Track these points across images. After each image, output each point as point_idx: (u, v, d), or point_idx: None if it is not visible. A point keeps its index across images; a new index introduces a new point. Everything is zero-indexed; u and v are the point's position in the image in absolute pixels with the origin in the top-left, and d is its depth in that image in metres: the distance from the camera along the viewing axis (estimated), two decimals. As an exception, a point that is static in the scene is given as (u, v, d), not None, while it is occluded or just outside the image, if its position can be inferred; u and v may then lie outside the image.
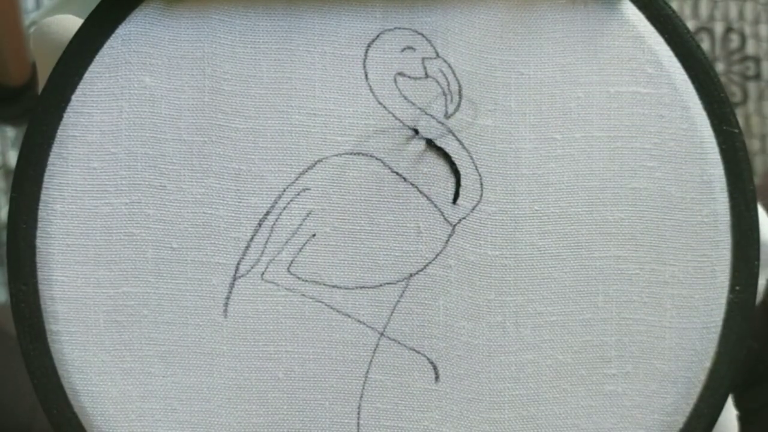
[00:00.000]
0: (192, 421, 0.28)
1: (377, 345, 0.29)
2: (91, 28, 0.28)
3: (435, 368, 0.29)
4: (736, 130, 0.29)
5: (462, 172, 0.29)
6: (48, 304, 0.28)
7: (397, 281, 0.29)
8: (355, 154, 0.29)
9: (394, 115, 0.29)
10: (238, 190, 0.28)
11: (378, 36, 0.29)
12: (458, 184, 0.29)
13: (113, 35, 0.28)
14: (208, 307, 0.28)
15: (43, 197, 0.28)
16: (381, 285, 0.29)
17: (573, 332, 0.29)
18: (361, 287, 0.29)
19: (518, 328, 0.29)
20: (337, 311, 0.29)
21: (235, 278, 0.28)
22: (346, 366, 0.28)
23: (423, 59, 0.29)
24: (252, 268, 0.28)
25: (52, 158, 0.28)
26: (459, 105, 0.29)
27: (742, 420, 0.37)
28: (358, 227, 0.29)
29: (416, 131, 0.29)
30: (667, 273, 0.29)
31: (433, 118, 0.29)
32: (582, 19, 0.29)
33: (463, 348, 0.29)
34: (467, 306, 0.29)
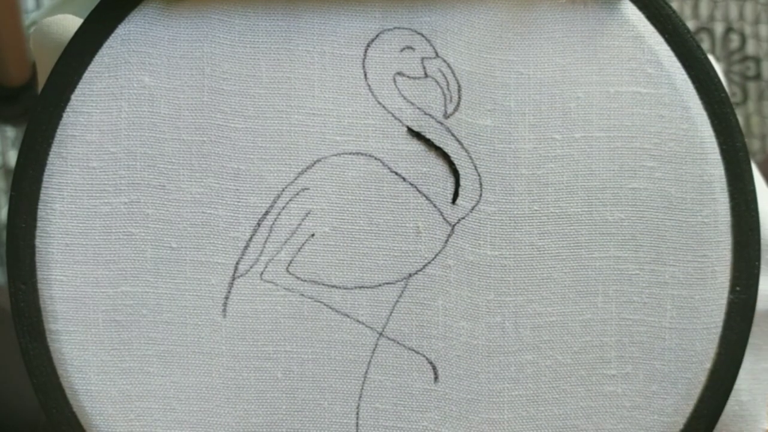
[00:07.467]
0: (191, 420, 0.28)
1: (376, 345, 0.29)
2: (91, 27, 0.28)
3: (434, 368, 0.29)
4: (736, 130, 0.29)
5: (461, 172, 0.29)
6: (47, 303, 0.28)
7: (396, 281, 0.29)
8: (354, 153, 0.29)
9: (393, 115, 0.29)
10: (238, 189, 0.28)
11: (377, 36, 0.29)
12: (457, 184, 0.29)
13: (113, 35, 0.28)
14: (207, 306, 0.28)
15: (42, 196, 0.28)
16: (380, 285, 0.29)
17: (572, 333, 0.29)
18: (360, 287, 0.29)
19: (517, 329, 0.29)
20: (336, 311, 0.28)
21: (234, 278, 0.28)
22: (345, 366, 0.28)
23: (422, 59, 0.29)
24: (251, 267, 0.28)
25: (52, 158, 0.28)
26: (458, 105, 0.29)
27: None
28: (357, 227, 0.29)
29: (415, 131, 0.29)
30: (667, 273, 0.29)
31: (433, 117, 0.29)
32: (582, 18, 0.29)
33: (462, 348, 0.29)
34: (466, 306, 0.29)
